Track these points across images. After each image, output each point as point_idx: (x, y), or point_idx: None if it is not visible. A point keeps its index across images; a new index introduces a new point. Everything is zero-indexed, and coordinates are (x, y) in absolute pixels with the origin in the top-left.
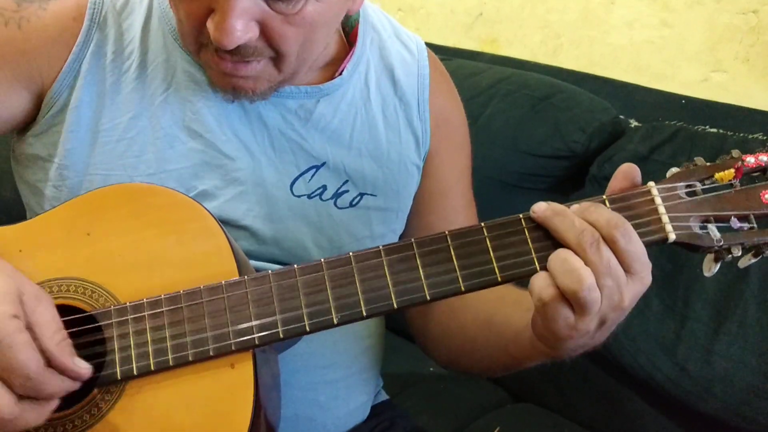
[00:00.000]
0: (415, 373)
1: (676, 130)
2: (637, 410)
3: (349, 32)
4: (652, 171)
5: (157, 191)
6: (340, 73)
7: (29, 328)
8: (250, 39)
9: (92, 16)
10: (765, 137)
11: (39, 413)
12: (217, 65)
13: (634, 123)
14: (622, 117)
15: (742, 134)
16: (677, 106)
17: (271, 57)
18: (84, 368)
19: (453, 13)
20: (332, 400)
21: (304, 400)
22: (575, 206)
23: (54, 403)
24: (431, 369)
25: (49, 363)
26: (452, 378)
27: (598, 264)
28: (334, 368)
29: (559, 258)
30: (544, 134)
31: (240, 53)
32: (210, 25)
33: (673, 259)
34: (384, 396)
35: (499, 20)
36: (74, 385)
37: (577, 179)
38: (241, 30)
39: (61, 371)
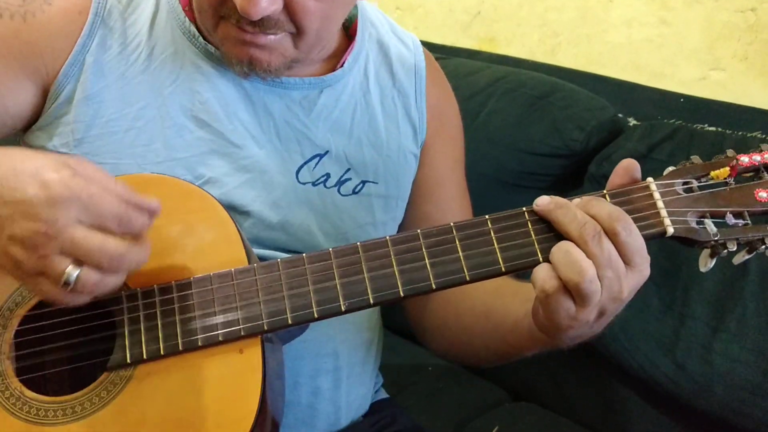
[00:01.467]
0: (415, 372)
1: (675, 129)
2: (637, 409)
3: (348, 27)
4: (651, 169)
5: (166, 181)
6: (342, 65)
7: None
8: (274, 11)
9: (97, 10)
10: (763, 135)
11: (140, 249)
12: (237, 35)
13: (632, 121)
14: (620, 115)
15: (740, 132)
16: (676, 105)
17: (290, 32)
18: (154, 201)
19: (451, 11)
20: (333, 389)
21: (306, 387)
22: (577, 200)
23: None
24: (430, 368)
25: (125, 202)
26: (451, 377)
27: (599, 256)
28: (336, 357)
29: (562, 250)
30: (542, 133)
31: (262, 25)
32: None
33: (671, 258)
34: (384, 394)
35: (498, 19)
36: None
37: (575, 178)
38: (267, 1)
39: (137, 207)
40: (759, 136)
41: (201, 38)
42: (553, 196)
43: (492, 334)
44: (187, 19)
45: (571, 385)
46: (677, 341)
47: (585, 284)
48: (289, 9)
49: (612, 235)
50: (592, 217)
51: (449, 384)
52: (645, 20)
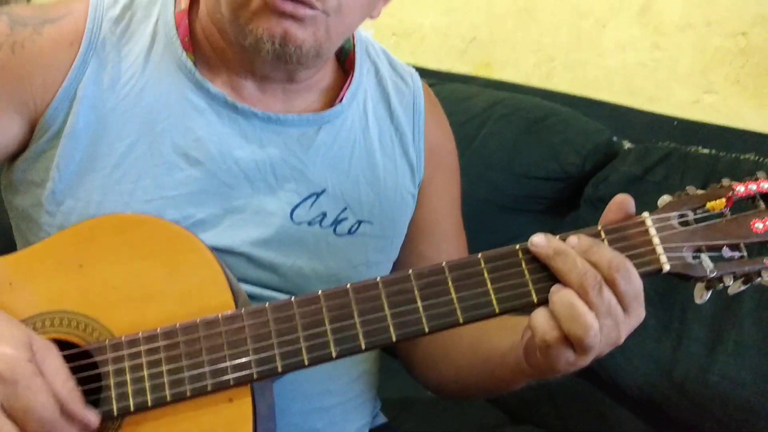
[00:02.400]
0: (414, 395)
1: (669, 152)
2: (635, 430)
3: (343, 61)
4: (646, 192)
5: (150, 222)
6: (340, 101)
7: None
8: None
9: (89, 41)
10: (757, 157)
11: None
12: (275, 5)
13: (627, 144)
14: (615, 139)
15: (734, 155)
16: (670, 128)
17: (325, 12)
18: (93, 417)
19: (447, 37)
20: (329, 427)
21: (301, 427)
22: (574, 240)
23: None
24: (429, 393)
25: (61, 410)
26: (451, 400)
27: (600, 305)
28: (330, 395)
29: (565, 302)
30: (538, 156)
31: None
32: None
33: (668, 279)
34: (382, 419)
35: (493, 44)
36: None
37: (572, 200)
38: None
39: (71, 418)
40: (752, 158)
41: (197, 73)
42: (549, 237)
43: (479, 369)
44: (184, 53)
45: (570, 406)
46: (675, 362)
47: (588, 339)
48: None
49: (612, 285)
50: (593, 264)
51: (448, 407)
52: (638, 45)
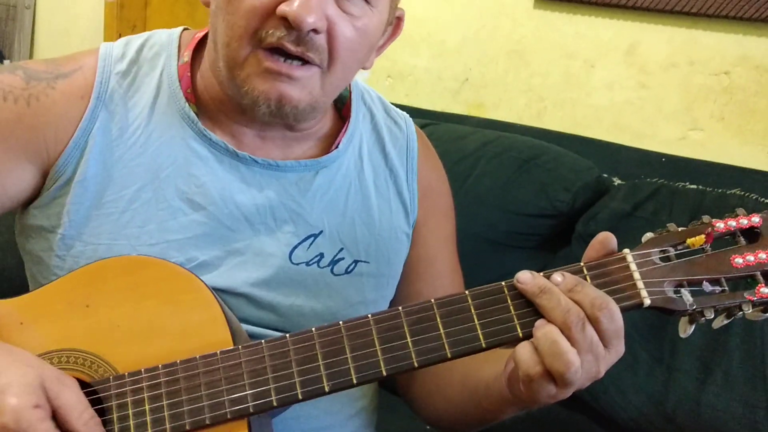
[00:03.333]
0: (412, 430)
1: (658, 188)
2: None
3: (340, 108)
4: (636, 227)
5: (154, 263)
6: (336, 146)
7: (56, 411)
8: (320, 26)
9: (99, 95)
10: (742, 192)
11: None
12: (271, 66)
13: (617, 181)
14: (605, 175)
15: (720, 190)
16: (658, 164)
17: (320, 67)
18: None
19: (440, 79)
20: None
21: None
22: (558, 279)
23: None
24: (428, 428)
25: None
26: None
27: (581, 342)
28: (331, 429)
29: (549, 339)
30: (530, 194)
31: (303, 45)
32: (286, 7)
33: (658, 314)
34: None
35: (485, 85)
36: None
37: (563, 237)
38: (318, 11)
39: None
40: (738, 192)
41: (199, 123)
42: (534, 274)
43: (468, 401)
44: (187, 104)
45: None
46: (667, 394)
47: (569, 374)
48: (329, 33)
49: (594, 322)
50: (577, 303)
51: None
52: (625, 84)
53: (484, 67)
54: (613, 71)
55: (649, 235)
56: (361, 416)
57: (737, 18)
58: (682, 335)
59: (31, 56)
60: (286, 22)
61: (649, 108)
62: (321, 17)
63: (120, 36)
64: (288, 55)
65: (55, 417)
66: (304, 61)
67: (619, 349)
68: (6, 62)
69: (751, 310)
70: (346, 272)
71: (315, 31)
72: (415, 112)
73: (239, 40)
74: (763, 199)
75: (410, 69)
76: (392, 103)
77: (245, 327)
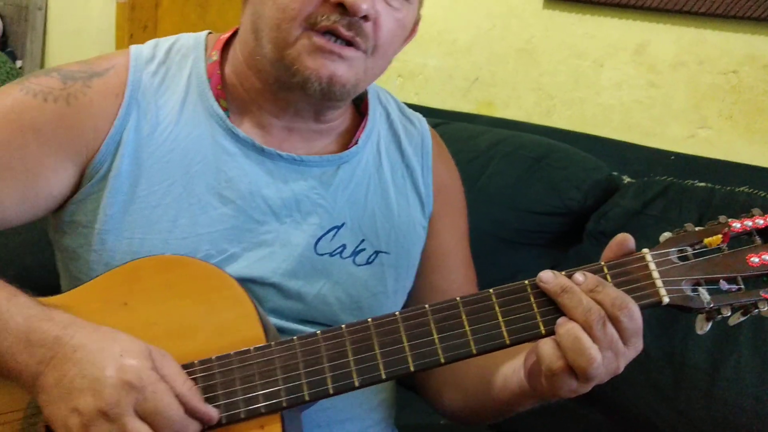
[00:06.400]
0: (427, 425)
1: (667, 185)
2: None
3: (358, 105)
4: (646, 225)
5: (187, 262)
6: (356, 142)
7: (162, 378)
8: (372, 14)
9: (132, 93)
10: (750, 190)
11: None
12: (324, 45)
13: (627, 179)
14: (615, 174)
15: (728, 187)
16: (667, 162)
17: (365, 52)
18: (214, 412)
19: (450, 78)
20: None
21: None
22: (580, 278)
23: None
24: (442, 422)
25: (185, 408)
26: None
27: (602, 339)
28: (353, 421)
29: (571, 336)
30: (541, 193)
31: (354, 29)
32: None
33: (669, 310)
34: None
35: (494, 84)
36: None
37: (575, 234)
38: (370, 0)
39: (194, 414)
40: (746, 190)
41: (227, 120)
42: (556, 274)
43: (485, 393)
44: (216, 102)
45: None
46: (678, 389)
47: (591, 369)
48: (375, 22)
49: (615, 321)
50: (597, 302)
51: None
52: (634, 83)
53: (494, 66)
54: (621, 70)
55: (667, 234)
56: (381, 409)
57: (745, 18)
58: (699, 332)
59: (43, 57)
60: (341, 8)
61: (658, 107)
62: (372, 6)
63: (131, 37)
64: (338, 38)
65: None
66: (351, 45)
67: (638, 345)
68: (18, 62)
69: (766, 308)
70: (368, 262)
71: (365, 18)
72: (425, 111)
73: (291, 22)
74: None
75: (420, 68)
76: (403, 102)
77: (272, 320)
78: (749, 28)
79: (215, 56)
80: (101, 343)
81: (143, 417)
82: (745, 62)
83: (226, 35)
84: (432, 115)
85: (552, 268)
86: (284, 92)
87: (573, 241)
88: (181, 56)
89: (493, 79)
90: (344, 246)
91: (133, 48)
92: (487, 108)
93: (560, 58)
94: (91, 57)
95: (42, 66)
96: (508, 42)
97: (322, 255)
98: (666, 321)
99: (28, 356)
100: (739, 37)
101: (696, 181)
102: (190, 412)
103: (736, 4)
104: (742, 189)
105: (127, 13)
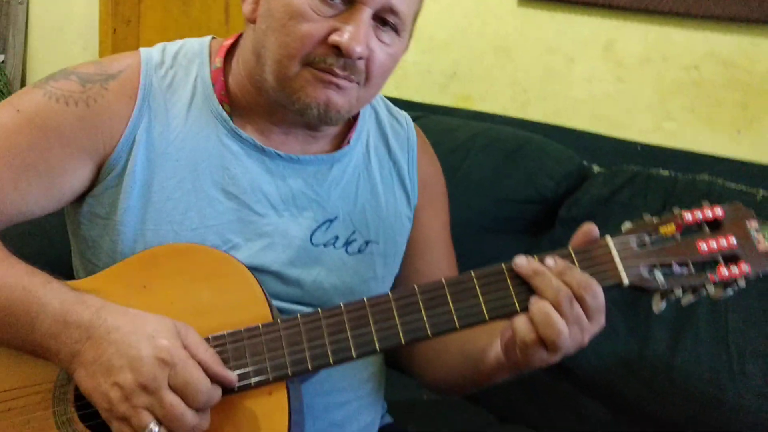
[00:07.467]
0: (412, 401)
1: (634, 174)
2: (608, 422)
3: None
4: (614, 212)
5: (200, 249)
6: (348, 143)
7: (187, 348)
8: (365, 55)
9: (144, 95)
10: (710, 177)
11: (205, 421)
12: (322, 77)
13: (596, 168)
14: (585, 163)
15: (690, 176)
16: (634, 152)
17: (358, 84)
18: (233, 375)
19: (429, 72)
20: (346, 419)
21: (323, 419)
22: (550, 262)
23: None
24: (425, 397)
25: (207, 373)
26: (445, 404)
27: (570, 316)
28: (346, 391)
29: (542, 312)
30: (517, 182)
31: (348, 69)
32: (338, 37)
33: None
34: (389, 419)
35: (472, 79)
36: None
37: (547, 221)
38: (365, 42)
39: (215, 378)
40: (707, 178)
41: (231, 122)
42: (529, 258)
43: (465, 366)
44: (220, 105)
45: (551, 405)
46: (642, 360)
47: (559, 341)
48: (368, 59)
49: (580, 300)
50: (565, 283)
51: (443, 410)
52: (603, 77)
53: (471, 61)
54: (591, 66)
55: (627, 224)
56: (373, 380)
57: (705, 17)
58: (655, 310)
59: (25, 51)
60: (336, 50)
61: (626, 100)
62: (365, 47)
63: (115, 32)
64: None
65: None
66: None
67: (601, 321)
68: (0, 57)
69: (714, 290)
70: (359, 252)
71: (360, 58)
72: (405, 104)
73: (291, 59)
74: (729, 184)
75: (400, 63)
76: (384, 96)
77: (274, 303)
78: (709, 26)
79: (219, 63)
80: (133, 325)
81: (175, 389)
82: (706, 58)
83: (229, 42)
84: (411, 108)
85: (526, 253)
86: (283, 110)
87: (547, 227)
88: (188, 61)
89: (471, 74)
90: (337, 237)
91: (143, 51)
92: (465, 102)
93: (534, 54)
94: (103, 58)
95: (24, 61)
96: (485, 39)
97: (317, 245)
98: (632, 301)
99: (66, 336)
100: (700, 35)
101: (660, 170)
102: (213, 377)
103: (697, 4)
104: (702, 177)
105: (111, 8)
